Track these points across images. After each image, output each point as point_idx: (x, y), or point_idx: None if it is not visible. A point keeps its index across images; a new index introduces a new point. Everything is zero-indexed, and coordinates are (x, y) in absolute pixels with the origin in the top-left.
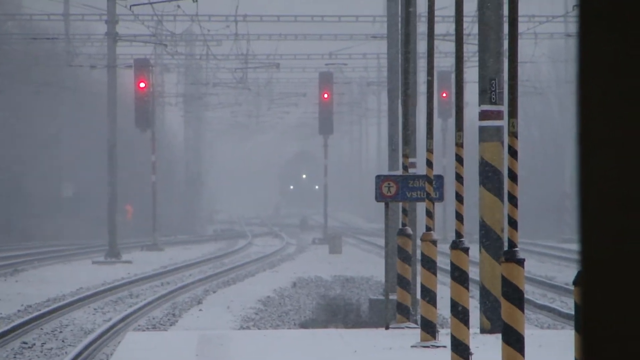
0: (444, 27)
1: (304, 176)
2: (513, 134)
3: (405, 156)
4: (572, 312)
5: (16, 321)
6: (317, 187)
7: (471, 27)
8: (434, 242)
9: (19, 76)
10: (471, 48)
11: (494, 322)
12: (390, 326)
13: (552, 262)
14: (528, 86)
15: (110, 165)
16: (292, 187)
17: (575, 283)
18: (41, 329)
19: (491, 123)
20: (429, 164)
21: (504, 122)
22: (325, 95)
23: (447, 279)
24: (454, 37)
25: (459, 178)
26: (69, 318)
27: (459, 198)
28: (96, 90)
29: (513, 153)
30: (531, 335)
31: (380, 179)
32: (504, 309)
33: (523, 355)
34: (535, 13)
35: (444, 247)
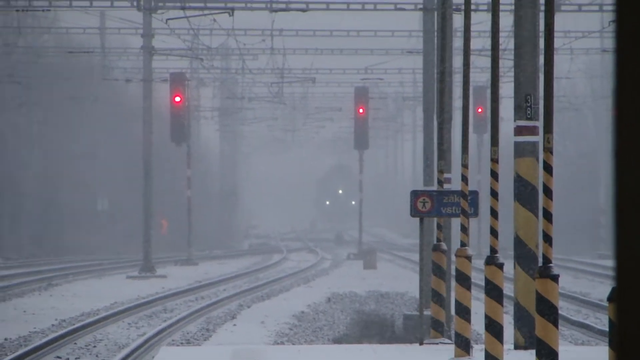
0: (480, 42)
1: (341, 191)
2: (548, 150)
3: (440, 171)
4: (607, 329)
5: (50, 335)
6: (353, 202)
7: (507, 42)
8: (469, 258)
9: (55, 90)
10: (507, 63)
11: (528, 338)
12: (424, 342)
13: (586, 278)
14: (564, 102)
15: (146, 179)
16: (328, 202)
17: (609, 299)
18: (75, 343)
19: (526, 138)
20: (464, 179)
21: (539, 138)
22: (361, 110)
23: (482, 295)
24: (489, 53)
25: (494, 193)
26: (103, 333)
27: (494, 213)
28: (132, 104)
29: (548, 168)
30: (565, 352)
31: (415, 195)
32: (538, 324)
33: None
34: (571, 28)
35: (479, 262)
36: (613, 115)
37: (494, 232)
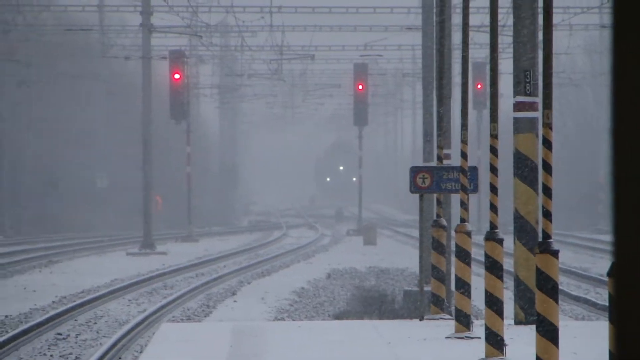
0: (479, 18)
1: (341, 168)
2: (547, 126)
3: (439, 147)
4: (607, 304)
5: (51, 312)
6: (354, 179)
7: (506, 19)
8: (469, 234)
9: (54, 68)
10: (506, 39)
11: (528, 314)
12: (424, 317)
13: (586, 254)
14: (563, 77)
15: (145, 156)
16: (328, 179)
17: (609, 274)
18: (75, 320)
19: (526, 114)
20: (464, 155)
21: (538, 114)
22: (360, 87)
23: (482, 271)
24: (488, 29)
25: (494, 169)
26: (103, 309)
27: (494, 189)
28: (131, 82)
29: (547, 144)
30: (565, 327)
31: (414, 171)
32: (538, 300)
33: (557, 346)
34: (570, 4)
35: (479, 238)
36: (611, 91)
37: (493, 208)
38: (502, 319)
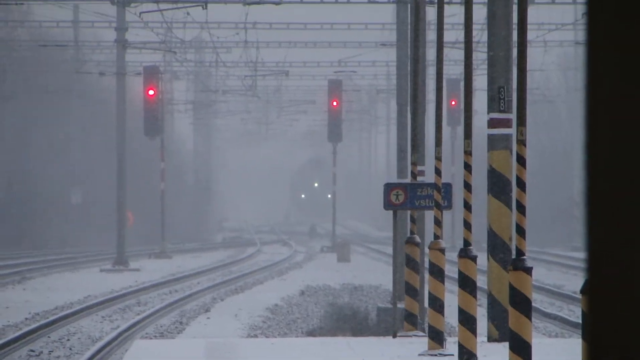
0: (453, 34)
1: (316, 184)
2: (522, 142)
3: (413, 164)
4: (580, 321)
5: (24, 329)
6: (329, 195)
7: (480, 35)
8: (442, 251)
9: (28, 83)
10: (480, 56)
11: (501, 331)
12: (398, 334)
13: (560, 271)
14: (537, 94)
15: (119, 172)
16: (303, 195)
17: (582, 291)
18: (49, 337)
19: (500, 131)
20: (438, 171)
21: (512, 130)
22: (335, 103)
23: (455, 287)
24: (463, 45)
25: (468, 186)
26: (76, 326)
27: (467, 206)
28: (105, 98)
29: (521, 161)
30: (539, 344)
31: (388, 187)
32: (512, 317)
33: None
34: (545, 21)
35: (452, 255)
36: (585, 108)
37: (467, 225)
38: (476, 336)
